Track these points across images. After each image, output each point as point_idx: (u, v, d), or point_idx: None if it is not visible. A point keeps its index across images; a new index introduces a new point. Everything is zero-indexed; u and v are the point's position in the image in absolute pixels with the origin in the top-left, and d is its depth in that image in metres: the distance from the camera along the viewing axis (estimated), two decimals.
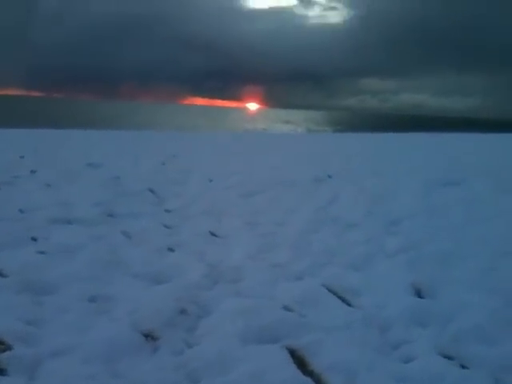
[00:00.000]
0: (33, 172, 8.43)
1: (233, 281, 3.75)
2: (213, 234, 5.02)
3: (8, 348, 2.61)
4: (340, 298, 3.44)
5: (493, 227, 5.47)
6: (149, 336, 2.86)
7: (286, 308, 3.23)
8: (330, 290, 3.53)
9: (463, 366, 2.62)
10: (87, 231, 4.91)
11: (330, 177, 9.08)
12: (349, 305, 3.36)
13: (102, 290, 3.50)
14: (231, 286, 3.65)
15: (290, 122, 67.69)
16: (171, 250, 4.49)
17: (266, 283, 3.67)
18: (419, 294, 3.60)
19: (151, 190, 7.16)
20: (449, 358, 2.68)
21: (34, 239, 4.58)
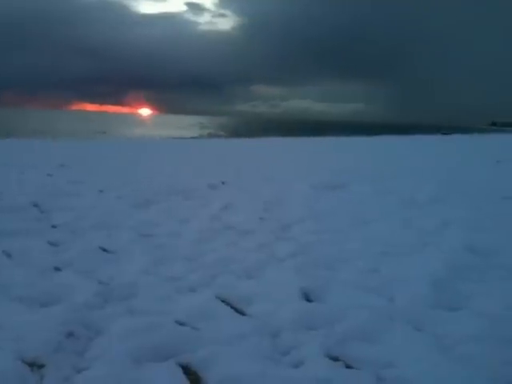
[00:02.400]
0: None
1: (125, 298, 3.65)
2: (104, 250, 4.85)
3: None
4: (233, 308, 3.49)
5: (374, 229, 5.87)
6: (34, 365, 2.70)
7: (179, 322, 3.20)
8: (223, 301, 3.57)
9: (348, 367, 2.76)
10: None
11: (223, 183, 9.19)
12: (242, 314, 3.42)
13: None
14: (123, 303, 3.54)
15: (184, 128, 67.42)
16: (58, 269, 4.26)
17: (159, 298, 3.61)
18: (308, 298, 3.75)
19: (35, 205, 6.75)
20: (335, 359, 2.81)
21: None
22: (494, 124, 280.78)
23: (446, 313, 3.47)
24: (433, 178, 10.86)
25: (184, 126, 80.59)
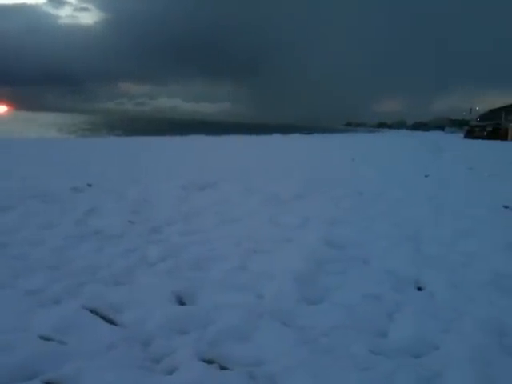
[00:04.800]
0: None
1: None
2: None
3: None
4: (103, 317, 3.36)
5: (241, 227, 6.04)
6: None
7: (44, 337, 3.00)
8: (91, 311, 3.41)
9: (222, 368, 2.80)
10: None
11: (89, 186, 8.77)
12: (112, 323, 3.30)
13: None
14: None
15: (43, 126, 62.98)
16: None
17: (19, 313, 3.34)
18: (180, 301, 3.74)
19: None
20: (209, 362, 2.84)
21: None
22: (349, 124, 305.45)
23: (309, 306, 3.70)
24: (295, 176, 11.45)
25: (43, 124, 75.02)
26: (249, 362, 2.86)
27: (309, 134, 60.64)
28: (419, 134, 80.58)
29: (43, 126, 65.91)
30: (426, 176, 12.82)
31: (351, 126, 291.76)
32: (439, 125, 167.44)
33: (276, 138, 41.00)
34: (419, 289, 4.22)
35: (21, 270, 4.22)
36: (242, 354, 2.94)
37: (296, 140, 38.92)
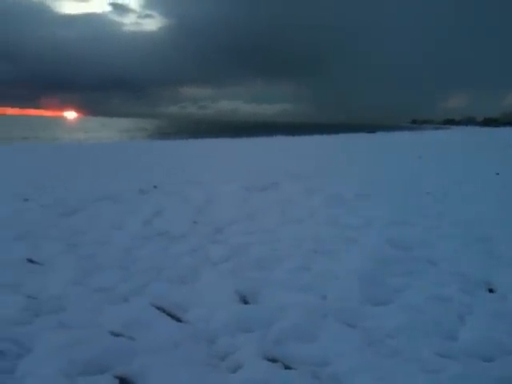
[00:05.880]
0: None
1: (55, 311, 3.52)
2: (30, 261, 4.65)
3: None
4: (169, 315, 3.47)
5: (303, 227, 6.03)
6: None
7: (114, 333, 3.14)
8: (158, 308, 3.53)
9: (286, 367, 2.82)
10: None
11: (155, 187, 9.06)
12: (178, 321, 3.40)
13: None
14: (53, 317, 3.41)
15: (112, 131, 65.69)
16: None
17: (91, 310, 3.51)
18: (244, 301, 3.79)
19: None
20: (273, 360, 2.86)
21: None
22: (414, 122, 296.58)
23: (374, 307, 3.63)
24: (359, 175, 11.29)
25: (111, 128, 78.51)
26: (312, 361, 2.85)
27: (372, 132, 59.62)
28: (489, 130, 77.41)
29: (111, 130, 68.73)
30: (496, 174, 12.24)
31: (416, 123, 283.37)
32: (511, 120, 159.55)
33: (337, 138, 40.56)
34: (490, 291, 4.04)
35: (91, 269, 4.43)
36: (305, 353, 2.94)
37: (359, 139, 38.32)
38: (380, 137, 43.16)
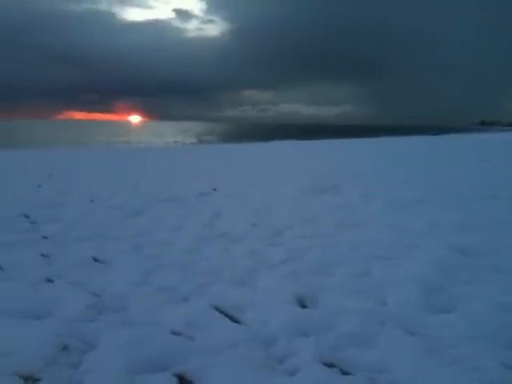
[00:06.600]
0: None
1: (118, 309, 3.65)
2: (96, 260, 4.85)
3: None
4: (227, 316, 3.50)
5: (363, 232, 5.91)
6: (29, 379, 2.70)
7: (174, 332, 3.21)
8: (217, 309, 3.58)
9: (344, 373, 2.78)
10: None
11: (215, 190, 9.20)
12: (236, 322, 3.43)
13: None
14: (116, 315, 3.55)
15: (174, 134, 67.45)
16: (50, 280, 4.25)
17: (152, 309, 3.62)
18: (302, 304, 3.77)
19: (26, 216, 6.73)
20: (330, 365, 2.83)
21: None
22: (482, 123, 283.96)
23: (435, 315, 3.51)
24: (420, 179, 10.96)
25: (174, 132, 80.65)
26: (370, 368, 2.80)
27: (436, 134, 57.58)
28: None
29: (173, 134, 70.56)
30: None
31: (484, 124, 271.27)
32: None
33: (399, 140, 39.57)
34: None
35: (153, 269, 4.56)
36: (363, 359, 2.89)
37: (420, 141, 37.21)
38: (445, 139, 41.70)
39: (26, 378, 2.69)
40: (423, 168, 14.23)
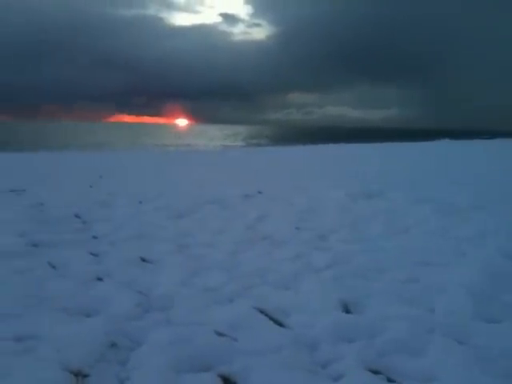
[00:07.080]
0: None
1: (164, 308, 3.72)
2: (143, 260, 4.96)
3: None
4: (271, 318, 3.50)
5: (410, 238, 5.79)
6: (78, 374, 2.79)
7: (218, 333, 3.23)
8: (261, 312, 3.58)
9: (390, 380, 2.73)
10: (9, 264, 4.67)
11: (260, 193, 9.22)
12: (280, 325, 3.43)
13: (26, 328, 3.34)
14: (162, 314, 3.62)
15: (220, 138, 68.18)
16: (100, 279, 4.38)
17: (197, 309, 3.67)
18: (346, 310, 3.72)
19: (77, 216, 6.96)
20: (376, 372, 2.78)
21: None
22: None
23: (487, 324, 3.39)
24: (473, 184, 10.64)
25: (221, 135, 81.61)
26: (417, 376, 2.73)
27: (491, 138, 55.24)
28: None
29: (220, 137, 71.35)
30: None
31: None
32: None
33: (445, 144, 38.50)
34: None
35: (198, 270, 4.62)
36: (410, 367, 2.82)
37: (471, 146, 36.05)
38: (499, 143, 40.26)
39: (76, 374, 2.78)
40: (476, 172, 13.79)
